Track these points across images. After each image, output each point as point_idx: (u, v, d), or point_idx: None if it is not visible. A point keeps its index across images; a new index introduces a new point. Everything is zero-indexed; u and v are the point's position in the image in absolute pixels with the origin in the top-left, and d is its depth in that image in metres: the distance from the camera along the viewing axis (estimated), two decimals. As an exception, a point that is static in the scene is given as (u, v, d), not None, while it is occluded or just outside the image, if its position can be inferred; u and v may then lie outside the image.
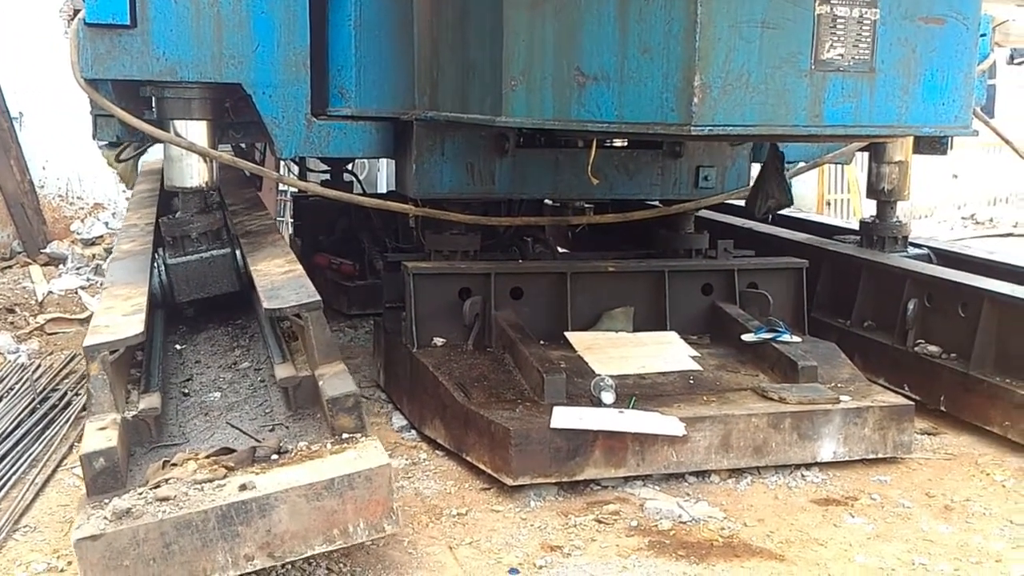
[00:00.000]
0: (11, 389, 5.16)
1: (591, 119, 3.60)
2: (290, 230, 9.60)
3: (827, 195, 13.25)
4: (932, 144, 6.05)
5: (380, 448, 3.23)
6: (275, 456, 3.25)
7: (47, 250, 9.53)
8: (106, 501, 3.01)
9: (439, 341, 4.84)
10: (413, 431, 4.74)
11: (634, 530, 3.73)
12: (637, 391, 4.40)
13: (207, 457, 3.22)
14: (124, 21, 4.33)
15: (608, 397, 4.20)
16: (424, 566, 3.43)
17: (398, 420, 4.90)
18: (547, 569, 3.42)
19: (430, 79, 4.61)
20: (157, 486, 3.06)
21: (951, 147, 6.06)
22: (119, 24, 4.33)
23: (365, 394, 5.36)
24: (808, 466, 4.29)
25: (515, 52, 3.81)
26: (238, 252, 4.77)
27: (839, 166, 12.27)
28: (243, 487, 3.02)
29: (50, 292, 7.80)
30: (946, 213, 14.46)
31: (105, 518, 2.92)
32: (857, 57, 3.48)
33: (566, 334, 4.91)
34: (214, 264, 4.73)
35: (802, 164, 5.66)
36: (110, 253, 6.72)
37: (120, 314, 3.82)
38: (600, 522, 3.78)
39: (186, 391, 4.04)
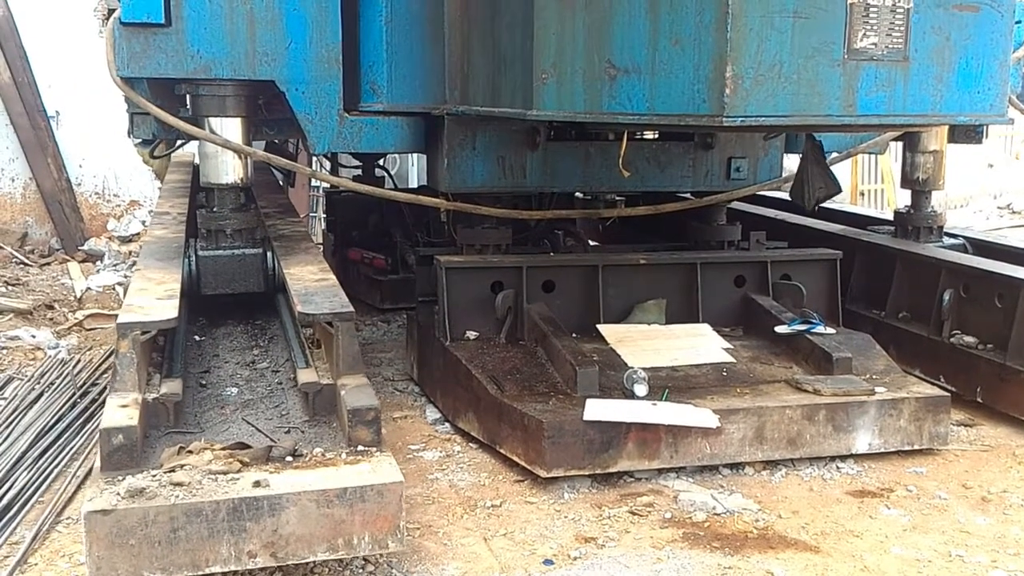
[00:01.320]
0: (52, 384, 5.24)
1: (622, 111, 3.59)
2: (323, 225, 9.68)
3: (861, 185, 13.14)
4: (967, 133, 6.00)
5: (394, 465, 3.23)
6: (290, 458, 3.26)
7: (84, 247, 9.65)
8: (120, 478, 3.05)
9: (472, 334, 4.86)
10: (447, 424, 4.76)
11: (668, 522, 3.73)
12: (670, 383, 4.40)
13: (223, 449, 3.24)
14: (159, 20, 4.37)
15: (641, 389, 4.20)
16: (459, 557, 3.45)
17: (432, 413, 4.93)
18: (581, 560, 3.43)
19: (461, 73, 4.62)
20: (172, 470, 3.09)
21: (987, 135, 6.01)
22: (154, 23, 4.37)
23: (399, 387, 5.41)
24: (843, 458, 4.29)
25: (545, 45, 3.82)
26: (269, 254, 4.81)
27: (873, 156, 12.18)
28: (257, 483, 3.04)
29: (88, 288, 7.89)
30: (982, 203, 14.30)
31: (118, 494, 2.95)
32: (891, 46, 3.45)
33: (598, 327, 4.92)
34: (244, 262, 4.78)
35: (835, 154, 5.62)
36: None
37: (154, 297, 3.87)
38: (634, 514, 3.79)
39: (203, 383, 4.07)
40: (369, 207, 7.45)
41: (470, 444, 4.51)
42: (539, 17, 3.83)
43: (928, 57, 3.54)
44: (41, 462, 4.18)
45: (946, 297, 5.14)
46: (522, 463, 4.10)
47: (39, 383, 5.27)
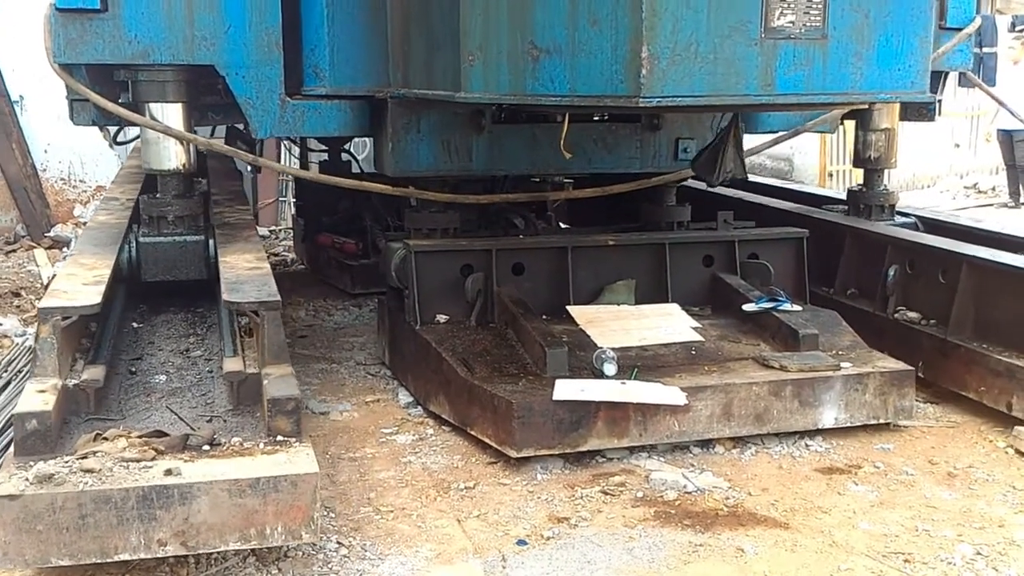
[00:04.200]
0: (19, 372, 5.20)
1: (545, 93, 3.58)
2: (292, 210, 9.64)
3: (829, 166, 13.24)
4: (919, 111, 6.01)
5: (311, 456, 3.21)
6: (207, 447, 3.25)
7: (51, 233, 9.63)
8: (31, 464, 3.05)
9: (442, 318, 4.87)
10: (419, 407, 4.78)
11: (640, 501, 3.78)
12: (639, 363, 4.44)
13: (139, 437, 3.23)
14: (95, 5, 4.34)
15: (610, 369, 4.24)
16: (433, 538, 3.49)
17: (404, 397, 4.95)
18: (555, 540, 3.47)
19: (403, 55, 4.58)
20: (84, 457, 3.08)
21: (939, 113, 6.03)
22: (89, 8, 4.34)
23: (371, 371, 5.41)
24: (812, 435, 4.35)
25: (472, 27, 3.79)
26: (211, 241, 4.77)
27: (841, 137, 12.25)
28: (168, 472, 3.03)
29: (55, 275, 7.83)
30: (949, 182, 14.44)
31: (26, 479, 2.96)
32: (808, 24, 3.44)
33: (568, 308, 4.94)
34: (185, 249, 4.75)
35: (782, 132, 5.65)
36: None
37: (81, 282, 3.87)
38: (606, 493, 3.84)
39: (133, 369, 4.06)
40: (339, 192, 7.41)
41: (443, 427, 4.53)
42: (465, -1, 3.82)
43: (847, 35, 3.51)
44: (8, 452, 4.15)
45: (891, 273, 5.17)
46: (493, 444, 4.13)
47: (6, 371, 5.25)
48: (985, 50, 6.63)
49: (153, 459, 3.10)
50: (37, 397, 3.28)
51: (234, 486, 3.03)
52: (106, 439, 3.19)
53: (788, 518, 3.64)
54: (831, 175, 13.21)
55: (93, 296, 3.69)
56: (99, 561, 2.98)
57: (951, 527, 3.57)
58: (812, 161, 13.12)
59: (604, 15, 3.36)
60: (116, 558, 2.98)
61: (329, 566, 3.26)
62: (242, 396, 3.67)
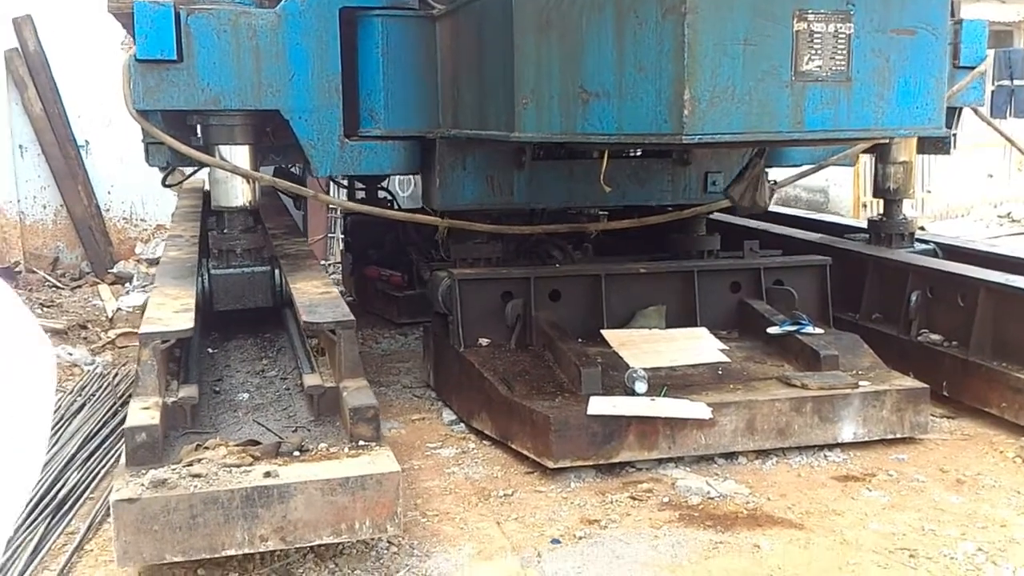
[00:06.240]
0: (92, 395, 5.55)
1: (594, 132, 3.85)
2: (340, 245, 10.04)
3: (863, 197, 13.43)
4: (935, 144, 6.25)
5: (392, 457, 3.50)
6: (297, 452, 3.54)
7: (114, 270, 9.99)
8: (143, 472, 3.31)
9: (484, 341, 5.12)
10: (462, 424, 5.03)
11: (665, 505, 4.03)
12: (668, 382, 4.64)
13: (236, 445, 3.51)
14: (171, 56, 4.65)
15: (641, 387, 4.46)
16: (474, 538, 3.75)
17: (448, 415, 5.21)
18: (586, 539, 3.73)
19: (452, 100, 4.90)
20: (191, 464, 3.36)
21: (954, 147, 6.27)
22: (167, 59, 4.66)
23: (417, 393, 5.73)
24: (831, 447, 4.55)
25: (525, 73, 4.07)
26: (276, 271, 5.06)
27: (875, 169, 12.45)
28: (267, 474, 3.31)
29: (118, 309, 8.21)
30: (983, 212, 14.55)
31: (142, 485, 3.22)
32: (834, 68, 3.70)
33: (602, 331, 5.16)
34: (254, 279, 5.05)
35: (807, 167, 5.90)
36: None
37: (171, 311, 4.16)
38: (634, 499, 4.09)
39: (217, 389, 4.35)
40: (386, 227, 7.72)
41: (484, 441, 4.78)
42: (519, 47, 4.08)
43: (869, 77, 3.77)
44: (89, 463, 4.46)
45: (913, 298, 5.38)
46: (531, 456, 4.38)
47: (80, 395, 5.58)
48: (1016, 83, 6.86)
49: (251, 464, 3.38)
50: (143, 413, 3.56)
51: (326, 485, 3.31)
52: (207, 448, 3.48)
53: (803, 519, 3.87)
54: (864, 205, 13.37)
55: (186, 322, 3.99)
56: (208, 557, 3.25)
57: (956, 527, 3.78)
58: (846, 193, 13.30)
59: (649, 62, 3.63)
60: (223, 553, 3.24)
61: (380, 562, 3.52)
62: (322, 408, 3.95)
